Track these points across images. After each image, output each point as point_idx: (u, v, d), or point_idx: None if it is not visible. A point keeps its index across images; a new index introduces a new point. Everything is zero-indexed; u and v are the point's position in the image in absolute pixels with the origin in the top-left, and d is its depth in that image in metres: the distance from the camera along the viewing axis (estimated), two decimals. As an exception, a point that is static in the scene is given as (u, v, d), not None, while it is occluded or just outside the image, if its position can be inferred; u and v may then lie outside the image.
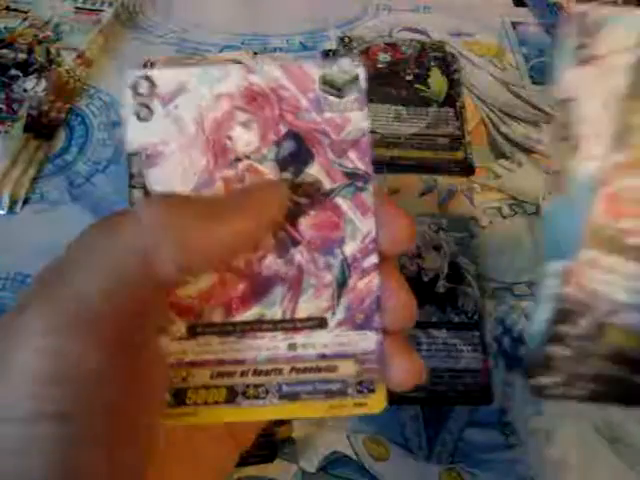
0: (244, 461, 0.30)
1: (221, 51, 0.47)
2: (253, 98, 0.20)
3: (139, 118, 0.21)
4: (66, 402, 0.15)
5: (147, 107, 0.21)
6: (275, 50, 0.48)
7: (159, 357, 0.19)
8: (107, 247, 0.17)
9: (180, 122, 0.20)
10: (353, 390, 0.20)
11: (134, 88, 0.21)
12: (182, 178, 0.20)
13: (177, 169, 0.20)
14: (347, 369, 0.20)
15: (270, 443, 0.31)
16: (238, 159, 0.20)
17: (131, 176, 0.21)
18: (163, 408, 0.19)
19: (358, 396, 0.20)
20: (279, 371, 0.20)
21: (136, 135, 0.21)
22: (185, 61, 0.45)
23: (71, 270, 0.17)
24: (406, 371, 0.20)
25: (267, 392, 0.20)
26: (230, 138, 0.20)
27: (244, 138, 0.20)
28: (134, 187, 0.20)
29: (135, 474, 0.17)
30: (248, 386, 0.20)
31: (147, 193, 0.20)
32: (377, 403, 0.20)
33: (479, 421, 0.32)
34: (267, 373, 0.20)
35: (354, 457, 0.31)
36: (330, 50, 0.48)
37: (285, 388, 0.20)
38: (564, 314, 0.18)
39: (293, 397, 0.20)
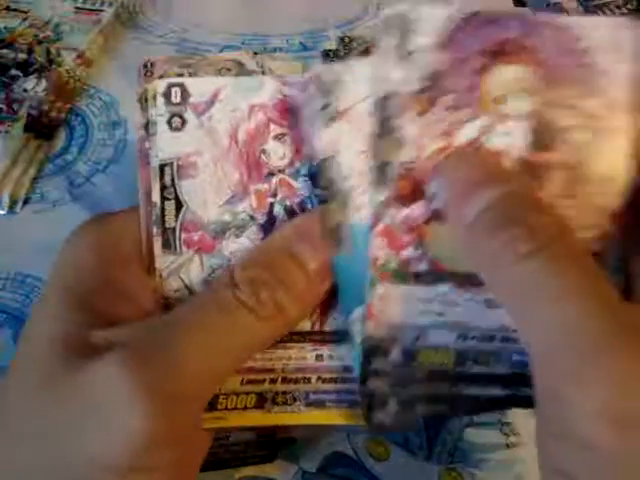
0: (244, 461, 0.30)
1: (221, 51, 0.47)
2: (286, 110, 0.20)
3: (171, 128, 0.20)
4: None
5: (180, 117, 0.20)
6: (275, 50, 0.48)
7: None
8: None
9: (214, 134, 0.20)
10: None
11: (166, 96, 0.20)
12: (216, 191, 0.20)
13: (211, 181, 0.20)
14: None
15: (270, 443, 0.31)
16: (271, 173, 0.20)
17: (163, 187, 0.20)
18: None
19: None
20: (307, 380, 0.21)
21: (167, 145, 0.20)
22: (185, 61, 0.45)
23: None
24: None
25: (295, 399, 0.20)
26: (264, 151, 0.20)
27: (278, 152, 0.20)
28: (166, 199, 0.20)
29: None
30: (277, 393, 0.20)
31: (179, 204, 0.20)
32: None
33: (479, 421, 0.32)
34: (295, 381, 0.21)
35: (354, 457, 0.31)
36: (330, 50, 0.48)
37: (312, 396, 0.21)
38: (373, 351, 0.19)
39: (319, 405, 0.20)
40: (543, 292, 0.16)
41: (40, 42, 0.46)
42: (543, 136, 0.19)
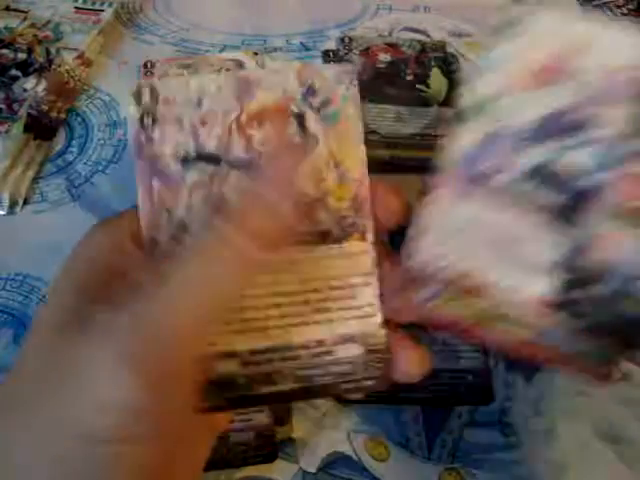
0: (244, 461, 0.30)
1: (221, 51, 0.47)
2: None
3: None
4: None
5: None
6: (275, 50, 0.48)
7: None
8: None
9: None
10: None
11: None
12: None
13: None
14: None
15: (270, 443, 0.31)
16: None
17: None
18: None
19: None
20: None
21: None
22: (185, 61, 0.45)
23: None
24: (412, 361, 0.21)
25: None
26: None
27: None
28: None
29: None
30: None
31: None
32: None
33: (479, 421, 0.32)
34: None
35: (354, 457, 0.31)
36: (330, 50, 0.48)
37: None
38: (581, 281, 0.19)
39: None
40: None
41: (40, 42, 0.46)
42: None
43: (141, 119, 0.21)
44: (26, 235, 0.37)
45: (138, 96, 0.22)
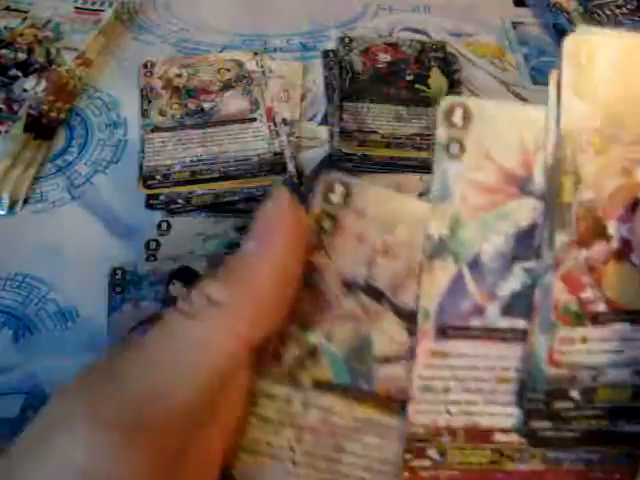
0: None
1: (221, 51, 0.47)
2: None
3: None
4: None
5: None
6: (275, 50, 0.48)
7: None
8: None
9: None
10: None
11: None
12: None
13: None
14: None
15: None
16: None
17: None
18: None
19: None
20: None
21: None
22: (185, 61, 0.46)
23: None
24: None
25: None
26: None
27: None
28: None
29: None
30: None
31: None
32: None
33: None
34: None
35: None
36: (330, 50, 0.48)
37: None
38: (555, 394, 0.19)
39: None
40: None
41: (40, 42, 0.46)
42: None
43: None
44: (26, 235, 0.37)
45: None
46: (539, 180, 0.18)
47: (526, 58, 0.49)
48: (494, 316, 0.19)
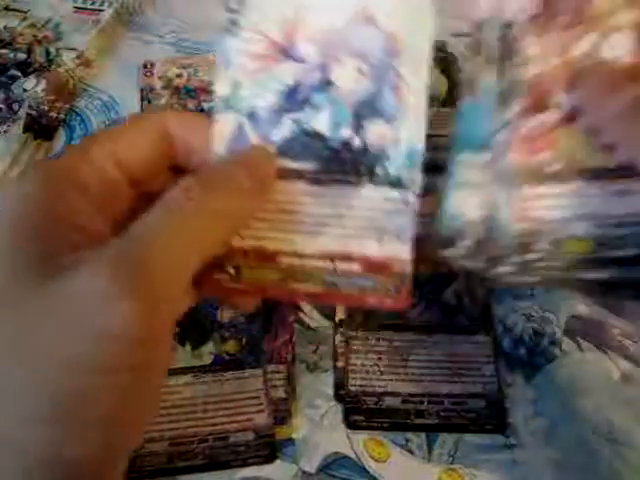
0: (244, 461, 0.30)
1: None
2: None
3: None
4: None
5: None
6: (275, 50, 0.48)
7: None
8: None
9: None
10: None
11: None
12: None
13: None
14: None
15: (270, 443, 0.31)
16: None
17: None
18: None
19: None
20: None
21: None
22: (185, 61, 0.45)
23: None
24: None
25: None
26: None
27: None
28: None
29: None
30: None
31: None
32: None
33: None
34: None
35: (354, 458, 0.31)
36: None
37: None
38: (522, 247, 0.22)
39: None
40: None
41: (40, 42, 0.46)
42: None
43: None
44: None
45: None
46: (301, 47, 0.22)
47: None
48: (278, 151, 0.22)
